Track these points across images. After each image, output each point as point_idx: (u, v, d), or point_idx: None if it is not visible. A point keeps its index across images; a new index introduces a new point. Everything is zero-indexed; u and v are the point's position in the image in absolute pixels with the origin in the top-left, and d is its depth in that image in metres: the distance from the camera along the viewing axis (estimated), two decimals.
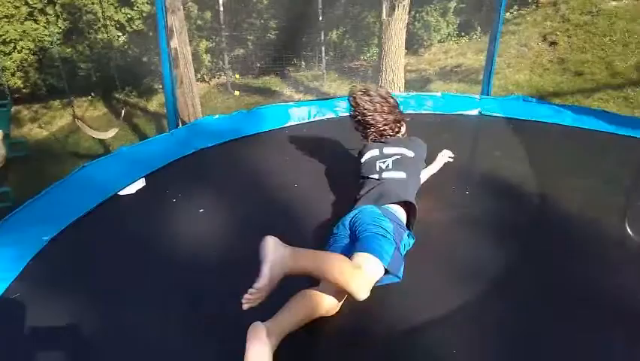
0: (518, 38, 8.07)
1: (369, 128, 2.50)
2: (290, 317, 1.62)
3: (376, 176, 2.31)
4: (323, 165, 3.00)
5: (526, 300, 1.89)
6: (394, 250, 1.80)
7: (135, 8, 6.42)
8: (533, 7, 8.80)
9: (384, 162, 2.36)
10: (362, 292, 1.65)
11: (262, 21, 7.41)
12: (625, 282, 2.00)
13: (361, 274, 1.68)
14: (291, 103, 3.91)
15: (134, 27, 6.51)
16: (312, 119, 3.72)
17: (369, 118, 2.47)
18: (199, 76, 7.29)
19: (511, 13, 8.84)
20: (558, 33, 7.81)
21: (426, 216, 2.44)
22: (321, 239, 2.16)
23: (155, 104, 6.88)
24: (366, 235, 1.84)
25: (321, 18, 7.07)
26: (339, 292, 1.70)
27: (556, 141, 3.36)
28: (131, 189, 2.85)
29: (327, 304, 1.69)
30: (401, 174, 2.28)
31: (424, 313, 1.82)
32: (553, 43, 7.70)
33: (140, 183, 2.89)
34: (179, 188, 2.79)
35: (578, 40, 7.47)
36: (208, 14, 6.97)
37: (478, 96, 3.96)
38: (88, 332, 1.88)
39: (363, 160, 2.44)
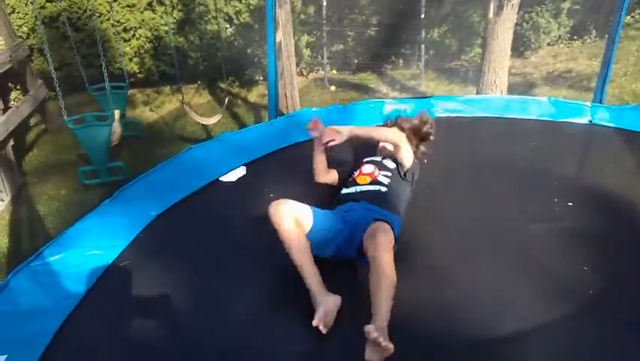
0: (638, 45, 7.40)
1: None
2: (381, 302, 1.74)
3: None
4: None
5: (617, 327, 1.77)
6: None
7: (243, 1, 6.69)
8: None
9: None
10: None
11: (363, 17, 7.42)
12: None
13: None
14: (386, 99, 3.91)
15: (241, 19, 6.79)
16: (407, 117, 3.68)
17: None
18: (298, 70, 7.46)
19: (632, 17, 8.12)
20: None
21: (523, 224, 2.35)
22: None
23: (255, 95, 7.15)
24: None
25: (423, 15, 6.94)
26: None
27: None
28: (232, 176, 3.01)
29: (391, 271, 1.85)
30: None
31: (504, 325, 1.76)
32: None
33: (241, 172, 3.04)
34: (276, 181, 2.89)
35: None
36: (311, 9, 7.09)
37: (589, 103, 3.71)
38: (184, 301, 2.04)
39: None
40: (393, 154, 2.53)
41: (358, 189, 2.40)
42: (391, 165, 2.51)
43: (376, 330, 1.59)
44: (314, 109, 3.69)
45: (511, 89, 6.16)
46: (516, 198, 2.60)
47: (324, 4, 6.86)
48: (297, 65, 7.41)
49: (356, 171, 2.56)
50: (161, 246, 2.44)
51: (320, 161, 2.67)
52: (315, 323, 1.77)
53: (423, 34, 7.22)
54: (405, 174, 2.48)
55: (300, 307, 1.87)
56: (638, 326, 1.75)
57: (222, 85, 6.93)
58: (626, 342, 1.69)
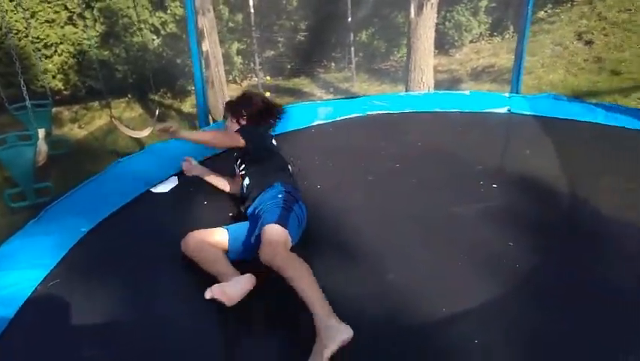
0: (552, 37, 7.90)
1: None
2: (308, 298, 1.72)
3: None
4: (349, 163, 3.04)
5: (545, 297, 1.88)
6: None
7: (168, 12, 6.60)
8: (568, 5, 8.59)
9: None
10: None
11: (292, 22, 7.50)
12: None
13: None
14: (317, 102, 3.97)
15: (168, 30, 6.69)
16: (338, 118, 3.76)
17: None
18: (231, 77, 7.42)
19: (546, 11, 8.66)
20: (594, 32, 7.61)
21: (451, 208, 2.45)
22: (347, 242, 2.22)
23: (188, 105, 7.06)
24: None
25: (350, 19, 7.10)
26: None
27: (587, 139, 3.30)
28: (165, 187, 2.95)
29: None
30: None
31: (442, 305, 1.83)
32: (589, 42, 7.51)
33: (174, 182, 2.99)
34: (210, 189, 2.85)
35: (615, 38, 7.27)
36: (239, 16, 7.10)
37: (507, 94, 3.92)
38: (118, 318, 1.98)
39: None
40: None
41: (243, 191, 2.45)
42: (238, 154, 2.56)
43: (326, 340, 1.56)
44: None
45: (439, 85, 6.41)
46: (443, 184, 2.72)
47: (252, 11, 6.87)
48: (230, 73, 7.38)
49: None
50: (92, 262, 2.35)
51: (212, 180, 2.77)
52: (214, 294, 1.78)
53: (351, 37, 7.38)
54: (247, 153, 2.48)
55: (240, 318, 1.86)
56: (564, 295, 1.87)
57: (153, 97, 6.79)
58: (554, 311, 1.79)
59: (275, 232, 1.97)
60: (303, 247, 2.10)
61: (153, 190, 2.90)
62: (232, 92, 7.37)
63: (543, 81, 6.87)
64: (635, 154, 3.02)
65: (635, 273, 1.99)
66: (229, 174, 2.75)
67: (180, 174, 3.01)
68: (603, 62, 6.95)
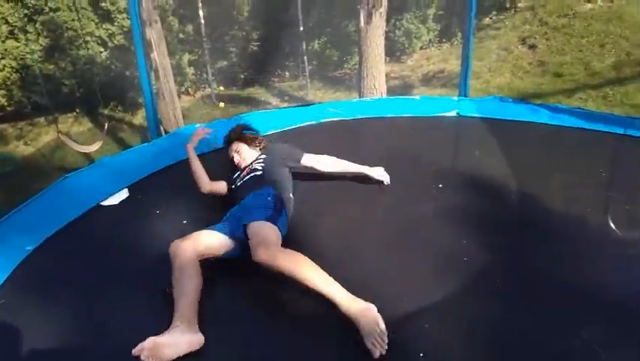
0: (498, 43, 8.20)
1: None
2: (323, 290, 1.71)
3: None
4: (304, 171, 3.04)
5: (500, 293, 1.92)
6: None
7: (116, 24, 6.45)
8: (512, 11, 8.95)
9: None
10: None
11: (244, 33, 7.48)
12: (605, 275, 2.04)
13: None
14: (271, 110, 3.96)
15: (116, 42, 6.54)
16: (292, 126, 3.76)
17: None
18: (183, 88, 7.32)
19: (491, 18, 8.99)
20: (537, 36, 7.94)
21: (407, 209, 2.49)
22: (303, 245, 2.20)
23: (140, 117, 6.91)
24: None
25: (302, 28, 7.15)
26: None
27: (533, 138, 3.42)
28: (114, 200, 2.86)
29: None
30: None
31: (398, 304, 1.85)
32: (532, 47, 7.84)
33: (124, 194, 2.90)
34: (162, 198, 2.80)
35: (556, 42, 7.61)
36: (190, 27, 7.02)
37: (456, 98, 4.03)
38: (69, 336, 1.89)
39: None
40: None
41: (240, 182, 2.49)
42: (262, 157, 2.64)
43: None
44: (197, 125, 3.63)
45: (392, 91, 6.54)
46: (399, 186, 2.74)
47: (202, 22, 6.81)
48: (182, 84, 7.28)
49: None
50: (40, 280, 2.24)
51: (197, 167, 2.68)
52: (144, 346, 1.60)
53: (304, 46, 7.43)
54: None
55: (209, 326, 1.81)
56: (519, 292, 1.91)
57: (103, 110, 6.61)
58: (511, 308, 1.82)
59: (266, 231, 1.96)
60: None
61: (102, 203, 2.81)
62: (184, 103, 7.28)
63: (491, 84, 7.11)
64: (579, 151, 3.15)
65: (585, 269, 2.06)
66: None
67: (130, 186, 2.93)
68: (546, 65, 7.25)
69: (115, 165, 3.07)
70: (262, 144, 2.91)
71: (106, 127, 5.30)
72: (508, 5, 8.97)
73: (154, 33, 4.51)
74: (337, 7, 7.69)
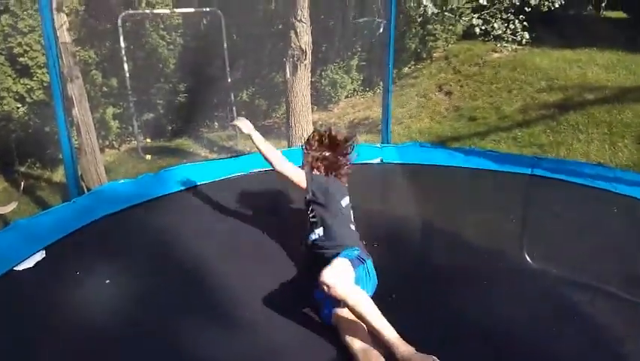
0: (417, 90, 8.70)
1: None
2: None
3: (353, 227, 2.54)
4: (232, 224, 3.03)
5: (425, 322, 2.00)
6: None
7: (35, 79, 6.23)
8: (428, 61, 9.57)
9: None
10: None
11: (170, 85, 7.46)
12: (522, 306, 2.18)
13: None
14: (198, 162, 3.94)
15: (35, 97, 6.29)
16: (221, 178, 3.75)
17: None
18: (107, 142, 7.13)
19: (410, 67, 9.56)
20: (452, 83, 8.51)
21: None
22: (235, 305, 2.19)
23: (60, 174, 6.59)
24: None
25: (229, 79, 7.25)
26: None
27: (449, 181, 3.63)
28: (30, 262, 2.71)
29: None
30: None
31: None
32: (448, 93, 8.38)
33: (40, 256, 2.76)
34: (82, 258, 2.69)
35: (469, 88, 8.19)
36: (114, 81, 6.91)
37: (379, 144, 4.21)
38: None
39: (344, 204, 2.57)
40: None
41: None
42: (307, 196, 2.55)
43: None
44: (121, 181, 3.55)
45: None
46: None
47: (127, 75, 6.74)
48: (106, 138, 7.09)
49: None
50: None
51: (260, 143, 2.66)
52: None
53: (232, 97, 7.50)
54: (311, 197, 2.53)
55: None
56: (442, 334, 1.99)
57: (20, 168, 6.27)
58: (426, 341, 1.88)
59: (339, 262, 2.01)
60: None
61: (16, 268, 2.65)
62: (108, 157, 7.08)
63: (412, 129, 7.48)
64: (492, 192, 3.39)
65: (507, 307, 2.19)
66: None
67: (48, 247, 2.79)
68: (461, 109, 7.76)
69: (31, 227, 2.92)
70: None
71: (22, 186, 5.03)
72: (424, 56, 9.59)
73: (75, 88, 4.41)
74: (264, 60, 7.89)
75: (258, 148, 2.68)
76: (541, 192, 3.29)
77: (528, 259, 2.58)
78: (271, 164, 2.66)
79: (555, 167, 3.50)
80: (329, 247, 2.28)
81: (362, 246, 2.38)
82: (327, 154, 2.73)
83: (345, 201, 2.58)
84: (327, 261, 2.07)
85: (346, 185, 2.75)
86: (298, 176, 2.60)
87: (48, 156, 6.62)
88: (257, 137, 2.70)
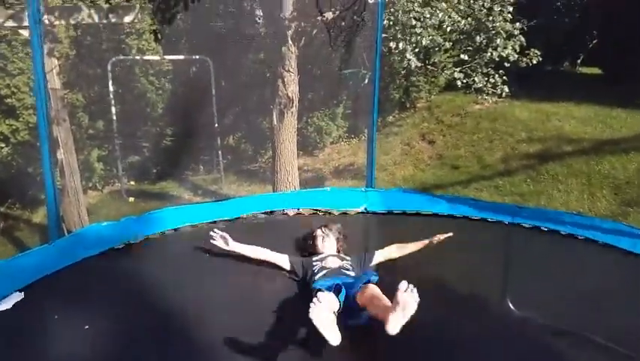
0: (401, 138, 8.88)
1: None
2: None
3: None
4: (215, 269, 3.01)
5: None
6: None
7: (21, 120, 6.25)
8: (412, 111, 9.82)
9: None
10: None
11: (157, 129, 7.52)
12: (510, 355, 2.17)
13: None
14: (182, 206, 3.92)
15: (19, 138, 6.29)
16: (204, 222, 3.73)
17: None
18: (91, 184, 7.08)
19: (394, 116, 9.79)
20: (435, 133, 8.72)
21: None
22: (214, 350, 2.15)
23: (40, 215, 6.50)
24: None
25: (217, 125, 7.34)
26: None
27: (435, 228, 3.66)
28: (8, 303, 2.64)
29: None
30: None
31: None
32: (431, 142, 8.56)
33: (17, 297, 2.69)
34: (61, 301, 2.63)
35: (451, 138, 8.38)
36: (100, 123, 6.95)
37: (363, 189, 4.25)
38: None
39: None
40: None
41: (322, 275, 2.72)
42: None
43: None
44: (103, 223, 3.51)
45: (305, 183, 6.75)
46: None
47: (114, 118, 6.79)
48: (89, 180, 7.05)
49: None
50: None
51: (244, 250, 3.01)
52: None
53: (219, 141, 7.58)
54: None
55: None
56: None
57: (0, 208, 6.18)
58: None
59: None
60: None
61: None
62: (91, 199, 7.01)
63: (396, 176, 7.59)
64: (474, 239, 3.42)
65: (494, 357, 2.19)
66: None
67: (25, 288, 2.72)
68: (444, 158, 7.91)
69: (9, 268, 2.86)
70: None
71: (1, 226, 4.94)
72: (408, 105, 9.84)
73: (62, 131, 4.43)
74: (252, 106, 8.03)
75: (244, 255, 3.01)
76: (522, 240, 3.33)
77: (512, 307, 2.59)
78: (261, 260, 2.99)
79: (535, 215, 3.56)
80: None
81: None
82: None
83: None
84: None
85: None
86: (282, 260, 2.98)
87: (29, 197, 6.55)
88: (237, 246, 3.02)
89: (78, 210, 4.83)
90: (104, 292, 2.77)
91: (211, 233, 3.02)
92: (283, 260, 2.96)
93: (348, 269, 2.77)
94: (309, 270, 2.82)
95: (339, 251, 3.07)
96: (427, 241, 3.04)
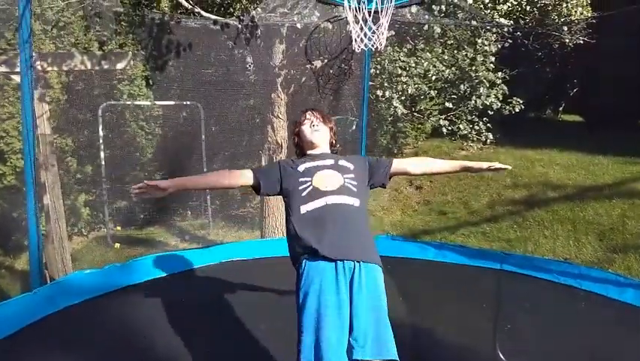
0: (389, 184, 8.93)
1: None
2: None
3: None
4: (201, 317, 2.96)
5: None
6: None
7: (9, 164, 6.22)
8: (399, 156, 9.94)
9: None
10: None
11: (146, 174, 7.51)
12: None
13: None
14: (167, 253, 3.89)
15: (5, 182, 6.24)
16: (189, 268, 3.69)
17: None
18: (76, 230, 6.99)
19: None
20: (422, 178, 8.79)
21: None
22: None
23: (23, 261, 6.36)
24: None
25: (205, 169, 7.35)
26: None
27: (423, 275, 3.66)
28: None
29: None
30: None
31: None
32: (419, 187, 8.63)
33: None
34: (42, 351, 2.56)
35: (438, 184, 8.47)
36: (89, 168, 6.94)
37: None
38: None
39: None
40: None
41: (322, 203, 2.17)
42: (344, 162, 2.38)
43: None
44: (87, 271, 3.46)
45: None
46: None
47: (103, 163, 6.79)
48: (75, 225, 6.97)
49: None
50: None
51: (188, 182, 2.45)
52: None
53: None
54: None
55: None
56: None
57: None
58: None
59: None
60: None
61: None
62: (76, 245, 6.90)
63: (384, 222, 7.59)
64: (462, 287, 3.41)
65: None
66: None
67: (4, 339, 2.65)
68: (432, 203, 7.97)
69: None
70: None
71: None
72: (395, 151, 9.98)
73: (49, 176, 4.41)
74: (241, 151, 8.08)
75: (188, 189, 2.62)
76: (510, 287, 3.33)
77: (500, 355, 2.57)
78: (216, 187, 2.49)
79: (523, 263, 3.57)
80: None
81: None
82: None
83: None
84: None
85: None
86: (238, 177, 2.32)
87: (12, 243, 6.43)
88: (177, 183, 2.32)
89: (62, 257, 4.75)
90: (87, 341, 2.71)
91: (133, 187, 2.22)
92: (244, 176, 2.27)
93: (350, 188, 2.17)
94: (289, 187, 2.16)
95: (333, 146, 2.47)
96: (467, 164, 2.49)
